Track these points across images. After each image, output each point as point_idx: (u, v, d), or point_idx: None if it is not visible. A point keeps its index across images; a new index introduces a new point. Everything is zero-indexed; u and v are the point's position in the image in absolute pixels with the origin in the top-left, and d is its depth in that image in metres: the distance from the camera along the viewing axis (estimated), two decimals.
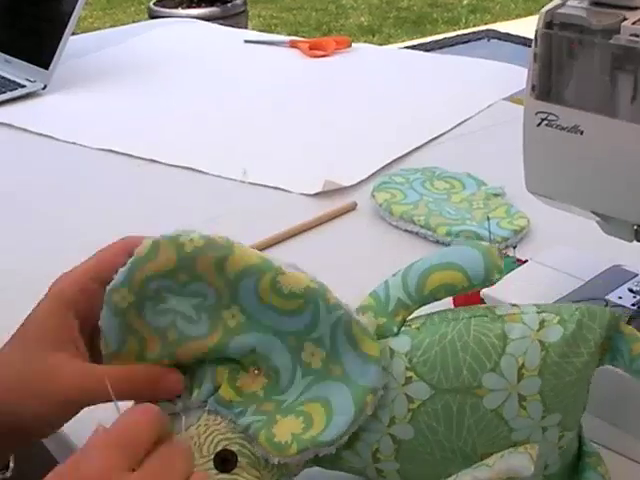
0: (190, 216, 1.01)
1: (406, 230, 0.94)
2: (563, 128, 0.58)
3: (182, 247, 0.54)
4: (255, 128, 1.26)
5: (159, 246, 0.55)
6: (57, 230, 1.02)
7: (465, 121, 1.23)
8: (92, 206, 1.08)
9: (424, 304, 0.57)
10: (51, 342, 0.56)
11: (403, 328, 0.57)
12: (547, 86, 0.59)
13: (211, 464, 0.54)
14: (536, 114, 0.59)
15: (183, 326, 0.56)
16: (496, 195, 0.98)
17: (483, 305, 0.58)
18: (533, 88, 0.59)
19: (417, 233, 0.93)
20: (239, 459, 0.54)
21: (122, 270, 0.55)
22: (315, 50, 1.57)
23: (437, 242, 0.92)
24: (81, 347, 0.58)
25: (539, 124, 0.59)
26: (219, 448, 0.55)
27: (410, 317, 0.58)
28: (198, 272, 0.55)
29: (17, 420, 0.56)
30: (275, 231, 0.95)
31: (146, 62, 1.54)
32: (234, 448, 0.55)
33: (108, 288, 0.56)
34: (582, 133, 0.58)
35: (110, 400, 0.52)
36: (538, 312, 0.55)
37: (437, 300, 0.57)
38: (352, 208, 1.00)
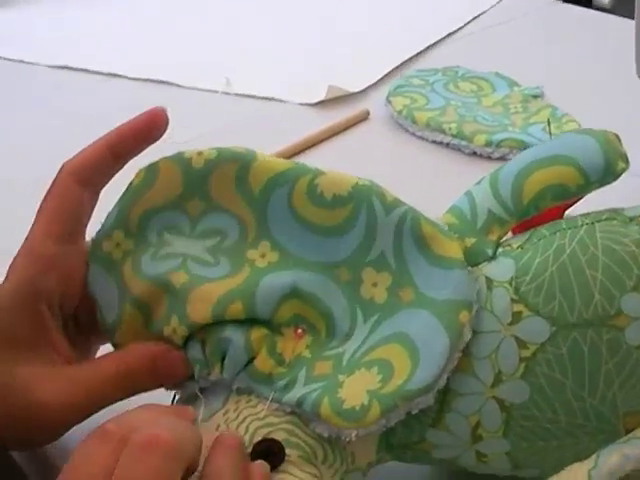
0: (167, 136, 0.85)
1: (433, 141, 0.79)
2: None
3: (189, 164, 0.42)
4: (234, 31, 1.08)
5: (158, 169, 0.43)
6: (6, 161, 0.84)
7: (478, 16, 1.06)
8: (47, 131, 0.90)
9: (524, 217, 0.43)
10: (23, 351, 0.43)
11: (500, 249, 0.42)
12: None
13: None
14: None
15: (195, 268, 0.42)
16: (535, 97, 0.83)
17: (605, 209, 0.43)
18: None
19: (448, 144, 0.78)
20: (287, 451, 0.39)
21: (111, 211, 0.43)
22: None
23: (474, 154, 0.76)
24: (61, 346, 0.44)
25: None
26: (258, 438, 0.40)
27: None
28: (214, 195, 0.43)
29: None
30: (273, 149, 0.78)
31: None
32: (279, 437, 0.40)
33: (93, 238, 0.43)
34: None
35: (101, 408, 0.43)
36: None
37: (540, 210, 0.43)
38: (364, 117, 0.84)
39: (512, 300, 0.40)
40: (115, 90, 0.98)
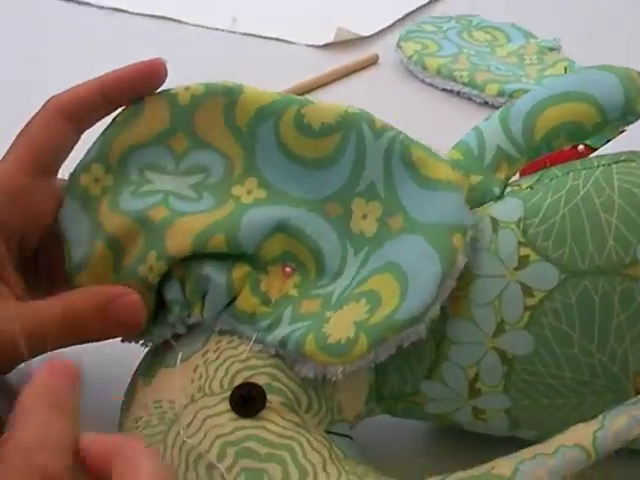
0: (169, 72, 0.82)
1: (444, 89, 0.76)
2: None
3: (175, 99, 0.40)
4: None
5: (144, 104, 0.41)
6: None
7: None
8: (49, 64, 0.87)
9: (536, 156, 0.40)
10: None
11: (508, 189, 0.39)
12: None
13: (226, 405, 0.37)
14: None
15: (176, 203, 0.39)
16: (551, 49, 0.80)
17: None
18: None
19: (459, 92, 0.75)
20: (268, 397, 0.37)
21: (92, 145, 0.41)
22: None
23: (486, 104, 0.73)
24: (10, 279, 0.40)
25: None
26: (238, 381, 0.37)
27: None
28: (200, 131, 0.41)
29: None
30: (278, 90, 0.74)
31: None
32: (261, 381, 0.37)
33: (73, 171, 0.41)
34: None
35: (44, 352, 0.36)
36: None
37: (553, 149, 0.39)
38: (373, 61, 0.81)
39: (519, 243, 0.37)
40: (118, 25, 0.95)
